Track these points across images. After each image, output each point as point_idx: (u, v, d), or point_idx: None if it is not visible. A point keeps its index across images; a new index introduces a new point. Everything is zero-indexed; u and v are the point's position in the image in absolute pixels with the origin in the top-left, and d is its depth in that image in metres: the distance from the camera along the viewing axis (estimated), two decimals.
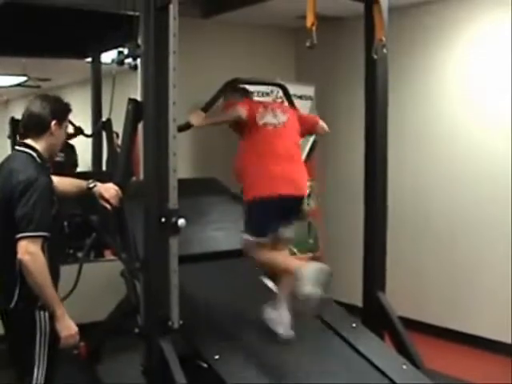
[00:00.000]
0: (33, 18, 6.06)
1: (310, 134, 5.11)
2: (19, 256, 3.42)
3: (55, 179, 3.91)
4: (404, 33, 6.89)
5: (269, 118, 4.55)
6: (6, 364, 3.84)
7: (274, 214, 4.45)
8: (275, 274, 4.56)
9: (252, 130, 4.54)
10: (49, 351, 3.63)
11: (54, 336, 3.62)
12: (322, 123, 4.90)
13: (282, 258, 4.42)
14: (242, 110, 4.51)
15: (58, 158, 7.59)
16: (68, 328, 3.59)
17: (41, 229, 3.47)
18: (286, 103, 5.31)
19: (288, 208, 4.44)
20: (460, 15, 6.61)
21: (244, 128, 4.59)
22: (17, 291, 3.56)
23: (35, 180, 3.50)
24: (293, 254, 4.72)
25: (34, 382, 3.61)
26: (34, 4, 5.92)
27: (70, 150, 8.07)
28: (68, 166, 7.87)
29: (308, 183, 4.66)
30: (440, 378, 4.66)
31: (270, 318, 4.32)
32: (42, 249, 3.48)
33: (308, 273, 3.93)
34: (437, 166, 6.88)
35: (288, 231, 4.53)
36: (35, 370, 3.60)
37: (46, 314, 3.59)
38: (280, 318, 4.29)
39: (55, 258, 3.70)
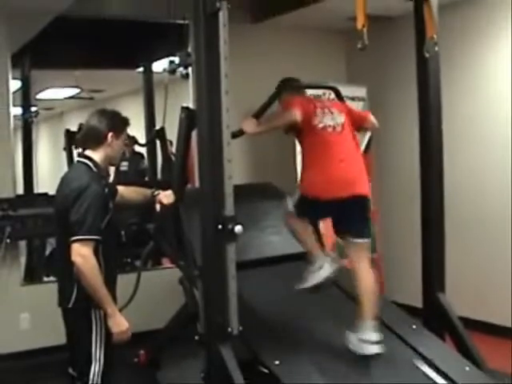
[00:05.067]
0: (84, 31, 6.16)
1: (359, 128, 4.84)
2: (72, 258, 3.59)
3: (120, 188, 4.18)
4: (455, 29, 6.79)
5: (327, 120, 4.47)
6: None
7: (326, 213, 4.52)
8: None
9: (310, 132, 4.46)
10: (105, 350, 3.77)
11: (109, 335, 3.75)
12: (371, 118, 4.80)
13: (309, 240, 4.55)
14: (297, 114, 4.38)
15: (122, 168, 7.77)
16: (119, 324, 3.72)
17: (92, 232, 3.62)
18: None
19: (350, 209, 4.39)
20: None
21: (301, 131, 4.51)
22: (74, 292, 3.73)
23: (87, 187, 3.66)
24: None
25: (91, 380, 3.74)
26: (84, 17, 6.02)
27: (138, 158, 8.10)
28: (134, 174, 7.93)
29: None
30: (504, 378, 4.57)
31: (352, 343, 4.25)
32: (96, 253, 3.63)
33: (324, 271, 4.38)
34: (493, 166, 6.75)
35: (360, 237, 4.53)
36: (92, 368, 3.74)
37: (102, 313, 3.73)
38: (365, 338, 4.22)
39: (111, 263, 3.85)
